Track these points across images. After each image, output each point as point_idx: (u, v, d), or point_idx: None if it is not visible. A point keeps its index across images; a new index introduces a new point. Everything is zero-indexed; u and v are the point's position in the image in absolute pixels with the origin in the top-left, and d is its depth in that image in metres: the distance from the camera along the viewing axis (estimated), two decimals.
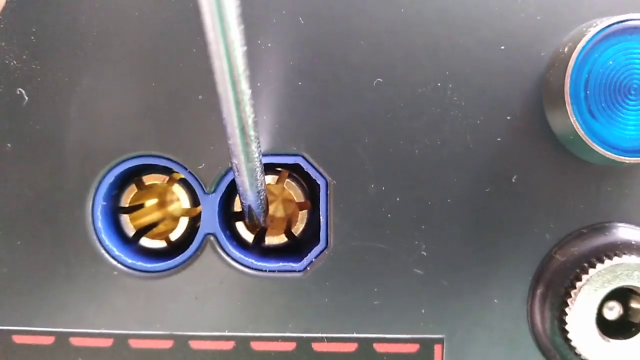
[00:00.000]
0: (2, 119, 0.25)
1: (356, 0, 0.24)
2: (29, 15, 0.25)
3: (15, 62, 0.25)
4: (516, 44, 0.24)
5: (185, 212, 0.27)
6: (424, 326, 0.26)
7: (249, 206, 0.24)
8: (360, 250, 0.25)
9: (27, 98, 0.25)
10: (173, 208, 0.30)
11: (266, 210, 0.25)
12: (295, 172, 0.27)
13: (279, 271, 0.26)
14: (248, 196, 0.23)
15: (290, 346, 0.26)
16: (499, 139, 0.25)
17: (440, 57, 0.25)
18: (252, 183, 0.22)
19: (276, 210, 0.30)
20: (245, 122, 0.19)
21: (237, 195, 0.26)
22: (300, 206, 0.27)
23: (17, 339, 0.26)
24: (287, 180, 0.27)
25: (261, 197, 0.23)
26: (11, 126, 0.25)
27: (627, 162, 0.23)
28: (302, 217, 0.27)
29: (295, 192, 0.27)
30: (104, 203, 0.26)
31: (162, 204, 0.30)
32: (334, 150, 0.25)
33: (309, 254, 0.26)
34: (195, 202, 0.27)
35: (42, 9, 0.25)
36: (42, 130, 0.25)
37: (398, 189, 0.25)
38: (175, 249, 0.27)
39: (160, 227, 0.29)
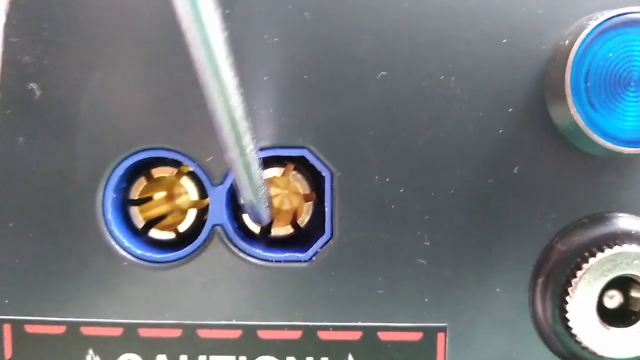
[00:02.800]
0: (14, 114, 0.26)
1: None
2: (40, 11, 0.26)
3: (27, 57, 0.26)
4: (518, 38, 0.25)
5: (194, 204, 0.28)
6: (427, 315, 0.26)
7: (251, 202, 0.23)
8: (365, 240, 0.26)
9: (38, 93, 0.26)
10: (181, 201, 0.30)
11: (269, 207, 0.25)
12: (300, 164, 0.28)
13: (285, 261, 0.26)
14: (246, 192, 0.22)
15: (296, 334, 0.26)
16: (501, 131, 0.25)
17: (444, 51, 0.25)
18: (248, 177, 0.21)
19: (282, 203, 0.30)
20: (234, 113, 0.18)
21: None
22: (306, 198, 0.28)
23: (29, 329, 0.27)
24: (293, 172, 0.27)
25: (260, 193, 0.22)
26: (23, 120, 0.26)
27: (627, 152, 0.23)
28: (308, 208, 0.27)
29: (300, 184, 0.27)
30: (114, 195, 0.26)
31: (170, 197, 0.30)
32: (339, 142, 0.26)
33: (314, 245, 0.26)
34: (203, 194, 0.28)
35: (53, 5, 0.26)
36: (53, 124, 0.26)
37: (402, 180, 0.26)
38: (183, 240, 0.27)
39: (169, 219, 0.30)
